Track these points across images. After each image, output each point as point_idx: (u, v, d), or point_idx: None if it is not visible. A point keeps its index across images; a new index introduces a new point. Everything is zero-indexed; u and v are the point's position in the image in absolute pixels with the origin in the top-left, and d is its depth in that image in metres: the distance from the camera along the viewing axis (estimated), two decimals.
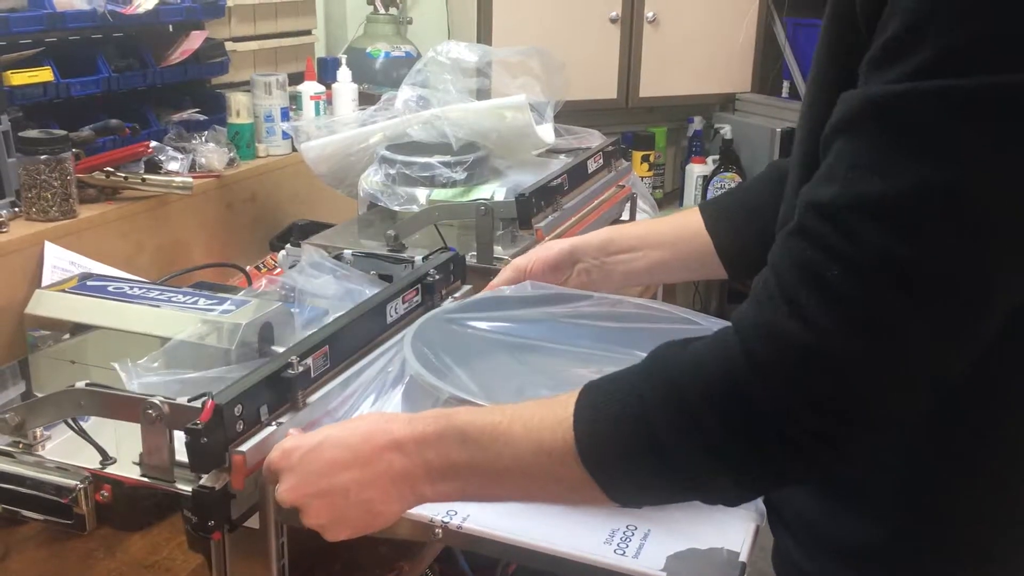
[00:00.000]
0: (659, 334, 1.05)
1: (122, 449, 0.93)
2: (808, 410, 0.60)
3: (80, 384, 0.89)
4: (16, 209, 1.44)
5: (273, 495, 0.82)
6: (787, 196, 0.80)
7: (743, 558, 0.77)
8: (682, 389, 0.64)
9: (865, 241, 0.59)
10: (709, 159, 2.95)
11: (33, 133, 1.43)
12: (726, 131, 2.88)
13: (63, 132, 1.46)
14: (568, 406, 0.69)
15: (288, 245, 1.48)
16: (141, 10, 1.64)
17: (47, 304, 1.22)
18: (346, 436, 0.78)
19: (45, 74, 1.53)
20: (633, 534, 0.79)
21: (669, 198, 3.07)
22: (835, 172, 0.61)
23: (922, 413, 0.64)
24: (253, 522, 0.86)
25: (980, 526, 0.71)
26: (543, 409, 0.71)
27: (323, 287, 1.20)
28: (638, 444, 0.65)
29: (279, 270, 1.50)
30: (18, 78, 1.49)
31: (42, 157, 1.41)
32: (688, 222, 1.07)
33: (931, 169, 0.57)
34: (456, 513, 0.81)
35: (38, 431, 0.94)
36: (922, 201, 0.57)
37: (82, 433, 0.93)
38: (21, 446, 0.94)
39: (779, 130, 2.74)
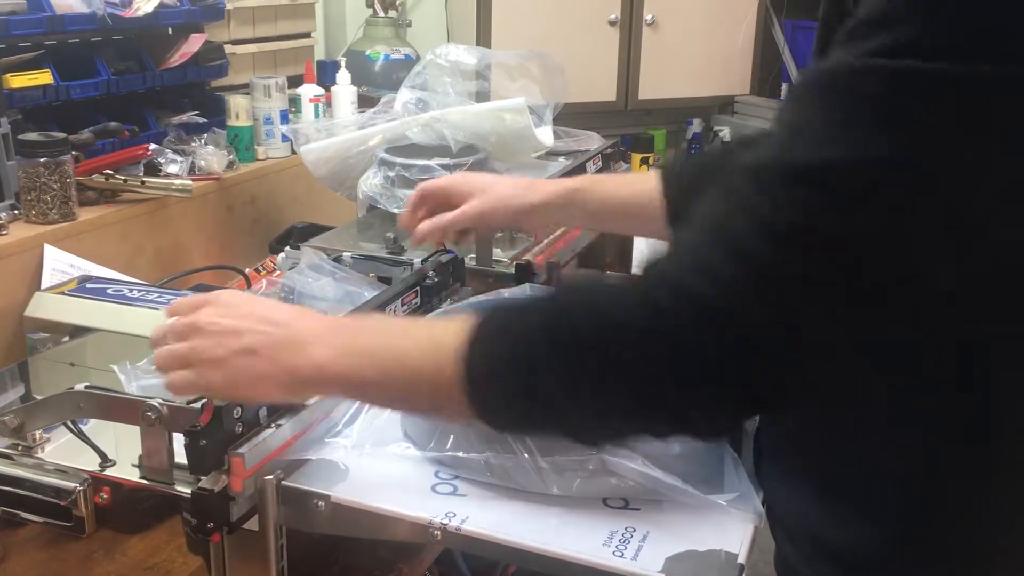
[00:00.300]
0: None
1: (121, 451, 0.93)
2: (698, 363, 0.61)
3: (79, 386, 0.89)
4: (16, 212, 1.44)
5: (270, 487, 0.82)
6: None
7: (741, 559, 0.77)
8: (579, 332, 0.64)
9: (782, 204, 0.58)
10: None
11: (33, 136, 1.44)
12: (725, 133, 2.88)
13: (63, 135, 1.47)
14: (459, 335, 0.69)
15: (287, 247, 1.48)
16: (140, 13, 1.64)
17: (47, 307, 1.23)
18: (256, 299, 0.83)
19: (45, 77, 1.54)
20: (632, 536, 0.79)
21: None
22: (773, 136, 0.61)
23: (923, 419, 0.63)
24: (252, 524, 0.86)
25: (980, 533, 0.71)
26: (428, 331, 0.74)
27: (322, 289, 1.20)
28: (525, 390, 0.67)
29: (278, 272, 1.50)
30: (18, 81, 1.50)
31: (42, 160, 1.41)
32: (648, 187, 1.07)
33: (869, 142, 0.56)
34: (455, 515, 0.81)
35: (37, 433, 0.94)
36: (852, 173, 0.57)
37: (81, 435, 0.93)
38: (20, 448, 0.94)
39: None
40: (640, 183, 1.08)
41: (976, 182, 0.57)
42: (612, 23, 2.72)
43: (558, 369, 0.65)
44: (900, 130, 0.56)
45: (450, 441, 0.86)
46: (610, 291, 0.67)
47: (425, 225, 1.16)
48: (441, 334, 0.71)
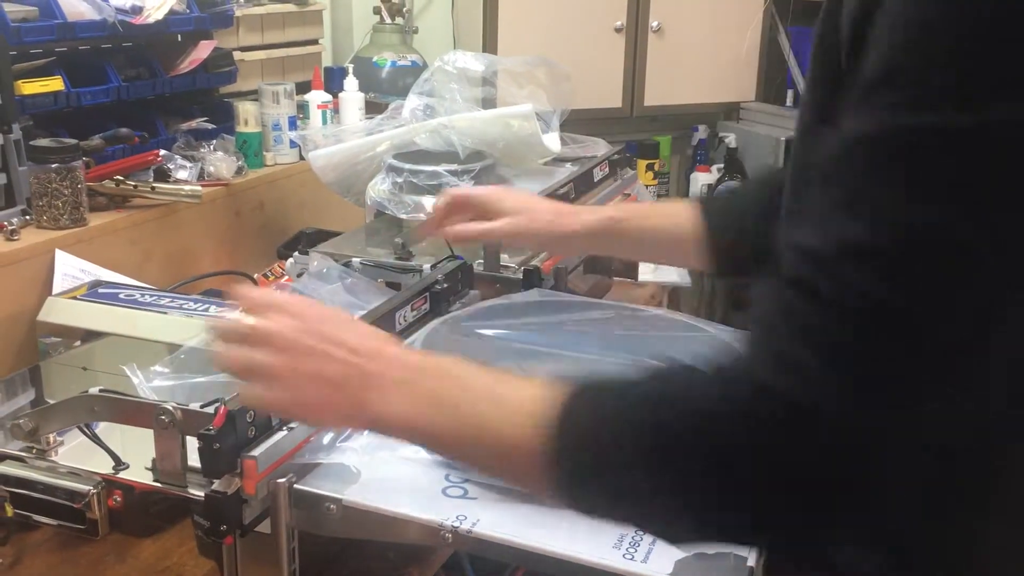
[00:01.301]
0: (666, 341, 1.07)
1: (129, 454, 0.94)
2: (797, 468, 0.57)
3: (94, 390, 0.90)
4: (27, 217, 1.45)
5: (283, 490, 0.83)
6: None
7: (751, 563, 0.77)
8: (670, 430, 0.61)
9: (852, 288, 0.56)
10: (713, 168, 2.96)
11: (44, 142, 1.45)
12: (730, 140, 2.89)
13: (73, 141, 1.47)
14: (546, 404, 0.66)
15: (296, 253, 1.49)
16: (151, 20, 1.65)
17: (59, 311, 1.23)
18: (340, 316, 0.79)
19: (56, 83, 1.55)
20: (642, 539, 0.80)
21: None
22: (816, 213, 0.59)
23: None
24: (264, 527, 0.86)
25: (982, 558, 0.69)
26: (514, 395, 0.69)
27: (331, 295, 1.21)
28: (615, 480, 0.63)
29: (287, 278, 1.51)
30: (29, 87, 1.51)
31: (53, 166, 1.42)
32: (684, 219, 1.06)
33: (916, 209, 0.55)
34: (466, 518, 0.82)
35: (51, 436, 0.95)
36: (907, 243, 0.55)
37: (95, 438, 0.94)
38: (34, 451, 0.95)
39: (783, 139, 2.74)
40: (679, 215, 1.07)
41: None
42: (618, 30, 2.73)
43: (649, 467, 0.62)
44: (960, 189, 0.55)
45: None
46: (702, 386, 0.63)
47: (457, 229, 1.15)
48: (528, 402, 0.67)
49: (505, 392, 0.70)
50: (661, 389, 0.65)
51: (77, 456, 0.96)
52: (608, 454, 0.63)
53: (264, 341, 0.74)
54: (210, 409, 0.83)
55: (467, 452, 0.72)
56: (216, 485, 0.83)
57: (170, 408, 0.85)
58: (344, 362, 0.73)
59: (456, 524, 0.81)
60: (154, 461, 0.89)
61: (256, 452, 0.84)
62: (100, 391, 0.90)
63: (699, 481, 0.61)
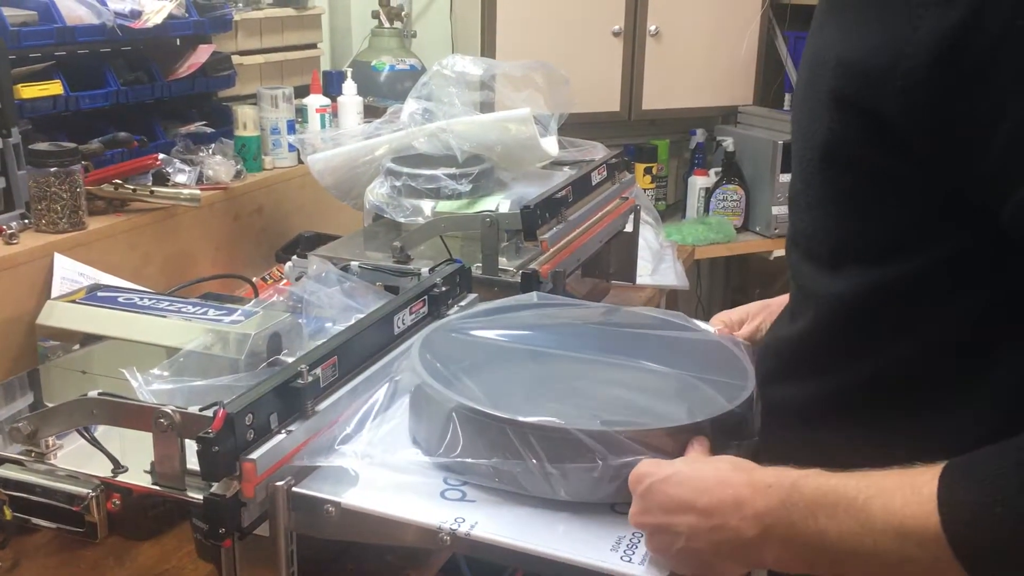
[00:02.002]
0: (663, 341, 1.07)
1: (128, 458, 0.94)
2: None
3: (93, 393, 0.90)
4: (26, 221, 1.46)
5: (281, 493, 0.83)
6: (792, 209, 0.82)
7: None
8: None
9: None
10: (711, 171, 2.96)
11: (43, 146, 1.45)
12: (728, 143, 2.89)
13: (72, 145, 1.48)
14: (932, 482, 0.65)
15: (294, 256, 1.49)
16: (150, 24, 1.66)
17: (58, 315, 1.24)
18: (693, 478, 0.76)
19: (55, 87, 1.55)
20: (640, 541, 0.80)
21: (672, 210, 3.08)
22: None
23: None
24: (263, 530, 0.86)
25: None
26: (904, 486, 0.66)
27: (330, 298, 1.22)
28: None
29: (285, 281, 1.51)
30: (28, 91, 1.51)
31: (52, 169, 1.43)
32: None
33: None
34: (464, 520, 0.82)
35: (50, 440, 0.95)
36: None
37: (94, 442, 0.94)
38: (33, 455, 0.95)
39: (781, 142, 2.75)
40: None
41: None
42: (616, 34, 2.73)
43: None
44: None
45: (459, 447, 0.87)
46: None
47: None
48: (909, 523, 0.65)
49: (882, 517, 0.67)
50: None
51: (76, 459, 0.96)
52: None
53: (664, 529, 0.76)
54: (209, 412, 0.83)
55: (860, 559, 0.68)
56: (215, 488, 0.83)
57: (169, 411, 0.85)
58: (704, 538, 0.73)
59: (454, 526, 0.81)
60: (153, 464, 0.89)
61: (255, 455, 0.84)
62: (99, 394, 0.90)
63: None
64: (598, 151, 1.87)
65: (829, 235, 0.78)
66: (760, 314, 1.11)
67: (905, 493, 0.66)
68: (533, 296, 1.14)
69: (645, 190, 2.83)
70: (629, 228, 1.78)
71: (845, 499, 0.68)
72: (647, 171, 2.93)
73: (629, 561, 0.78)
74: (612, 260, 1.80)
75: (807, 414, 0.83)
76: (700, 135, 3.02)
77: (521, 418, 0.85)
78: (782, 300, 0.94)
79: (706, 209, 2.92)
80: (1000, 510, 0.62)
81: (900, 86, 0.66)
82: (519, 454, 0.84)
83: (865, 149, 0.72)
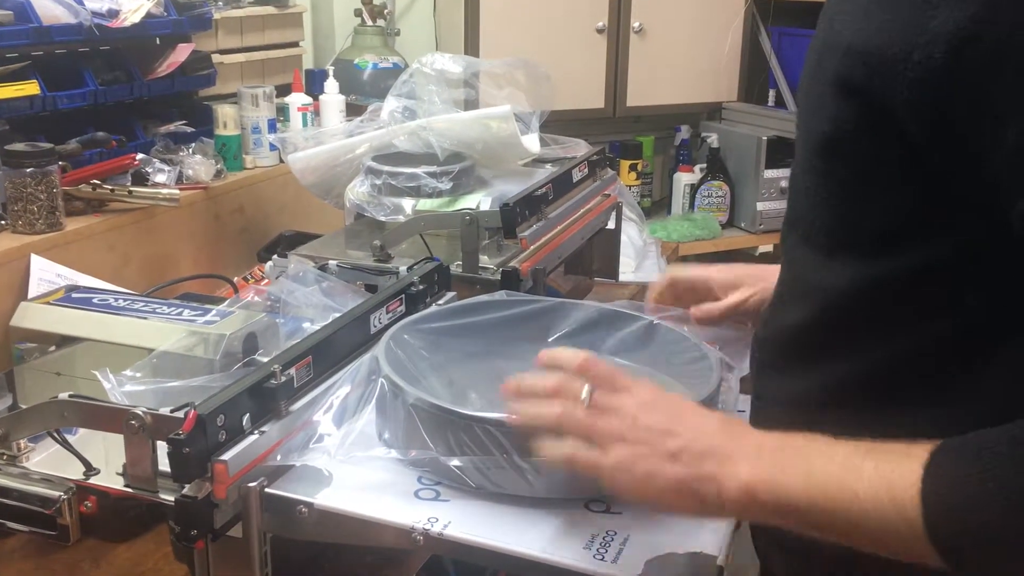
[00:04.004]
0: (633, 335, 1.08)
1: (111, 460, 0.93)
2: None
3: (63, 395, 0.90)
4: (2, 222, 1.45)
5: (254, 494, 0.83)
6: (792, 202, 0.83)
7: (720, 561, 0.77)
8: None
9: None
10: (696, 168, 2.96)
11: (19, 146, 1.44)
12: (713, 140, 2.89)
13: (49, 145, 1.47)
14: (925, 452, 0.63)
15: (275, 256, 1.49)
16: (128, 23, 1.65)
17: (33, 316, 1.23)
18: (671, 403, 0.76)
19: (31, 87, 1.54)
20: (612, 539, 0.80)
21: (657, 207, 3.08)
22: None
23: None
24: (236, 531, 0.86)
25: None
26: (900, 451, 0.65)
27: (308, 298, 1.21)
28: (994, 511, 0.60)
29: (266, 281, 1.51)
30: (4, 91, 1.50)
31: (28, 170, 1.42)
32: None
33: None
34: (437, 520, 0.82)
35: (22, 443, 0.94)
36: None
37: (65, 444, 0.93)
38: (5, 458, 0.94)
39: (765, 139, 2.75)
40: None
41: None
42: (600, 31, 2.73)
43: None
44: None
45: (427, 444, 0.87)
46: None
47: (702, 312, 1.12)
48: (895, 477, 0.63)
49: (862, 462, 0.65)
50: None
51: (52, 463, 0.95)
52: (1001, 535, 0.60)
53: (606, 413, 0.74)
54: (180, 414, 0.83)
55: (824, 527, 0.67)
56: (186, 490, 0.83)
57: (140, 413, 0.84)
58: (686, 439, 0.71)
59: (428, 526, 0.81)
60: (125, 466, 0.88)
61: (226, 456, 0.83)
62: (70, 396, 0.89)
63: None
64: (581, 148, 1.86)
65: (825, 222, 0.78)
66: (755, 286, 1.09)
67: (900, 456, 0.64)
68: (502, 294, 1.15)
69: (630, 187, 2.84)
70: (612, 225, 1.78)
71: (842, 447, 0.66)
72: (632, 168, 2.93)
73: (602, 559, 0.77)
74: (595, 257, 1.80)
75: (804, 407, 0.83)
76: (685, 131, 3.02)
77: (483, 413, 0.85)
78: (775, 270, 0.92)
79: (691, 205, 2.93)
80: (991, 486, 0.60)
81: (910, 77, 0.66)
82: (488, 450, 0.84)
83: (866, 138, 0.71)
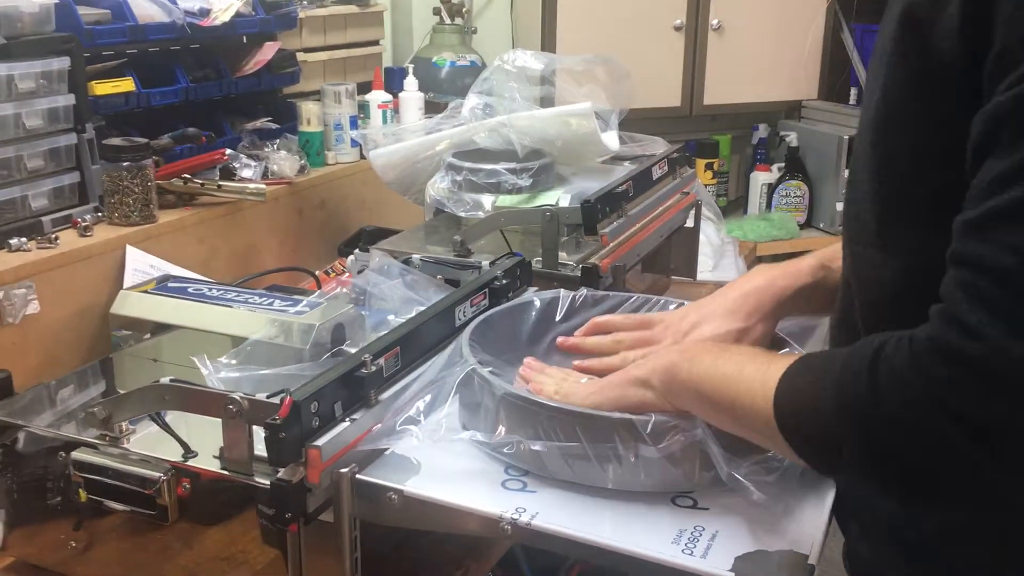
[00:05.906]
0: None
1: (193, 444, 0.96)
2: (966, 414, 0.62)
3: (165, 379, 0.92)
4: (99, 214, 1.50)
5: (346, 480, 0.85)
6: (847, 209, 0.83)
7: (812, 560, 0.76)
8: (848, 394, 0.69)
9: (1006, 248, 0.61)
10: (774, 167, 2.92)
11: (116, 141, 1.49)
12: (792, 139, 2.85)
13: (144, 140, 1.51)
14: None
15: (356, 250, 1.51)
16: (218, 22, 1.69)
17: (131, 304, 1.27)
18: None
19: (127, 84, 1.59)
20: (701, 535, 0.79)
21: (733, 206, 3.05)
22: (979, 189, 0.64)
23: None
24: (327, 516, 0.88)
25: None
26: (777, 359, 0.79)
27: (392, 290, 1.23)
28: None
29: (347, 275, 1.53)
30: (102, 88, 1.55)
31: (124, 164, 1.46)
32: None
33: None
34: (525, 510, 0.82)
35: (123, 425, 0.98)
36: None
37: (165, 427, 0.96)
38: (107, 439, 0.98)
39: (846, 137, 2.70)
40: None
41: None
42: (677, 28, 2.71)
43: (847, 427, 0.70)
44: None
45: (509, 432, 0.88)
46: (888, 357, 0.68)
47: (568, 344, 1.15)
48: (769, 374, 0.77)
49: (759, 366, 0.79)
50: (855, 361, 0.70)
51: (148, 444, 0.98)
52: (812, 416, 0.73)
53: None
54: (276, 400, 0.85)
55: (719, 413, 0.82)
56: (281, 474, 0.85)
57: (238, 398, 0.87)
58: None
59: (515, 516, 0.82)
60: (222, 450, 0.91)
61: (320, 442, 0.85)
62: (171, 381, 0.92)
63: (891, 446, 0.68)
64: (659, 146, 1.85)
65: (874, 203, 0.77)
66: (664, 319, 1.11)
67: (779, 360, 0.78)
68: (583, 290, 1.15)
69: (706, 186, 2.81)
70: (690, 223, 1.76)
71: (747, 352, 0.84)
72: (708, 167, 2.91)
73: (691, 554, 0.77)
74: (673, 255, 1.79)
75: None
76: (763, 130, 2.98)
77: (571, 407, 0.86)
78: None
79: (768, 205, 2.89)
80: (817, 387, 0.72)
81: (948, 26, 0.66)
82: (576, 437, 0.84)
83: (916, 98, 0.71)
